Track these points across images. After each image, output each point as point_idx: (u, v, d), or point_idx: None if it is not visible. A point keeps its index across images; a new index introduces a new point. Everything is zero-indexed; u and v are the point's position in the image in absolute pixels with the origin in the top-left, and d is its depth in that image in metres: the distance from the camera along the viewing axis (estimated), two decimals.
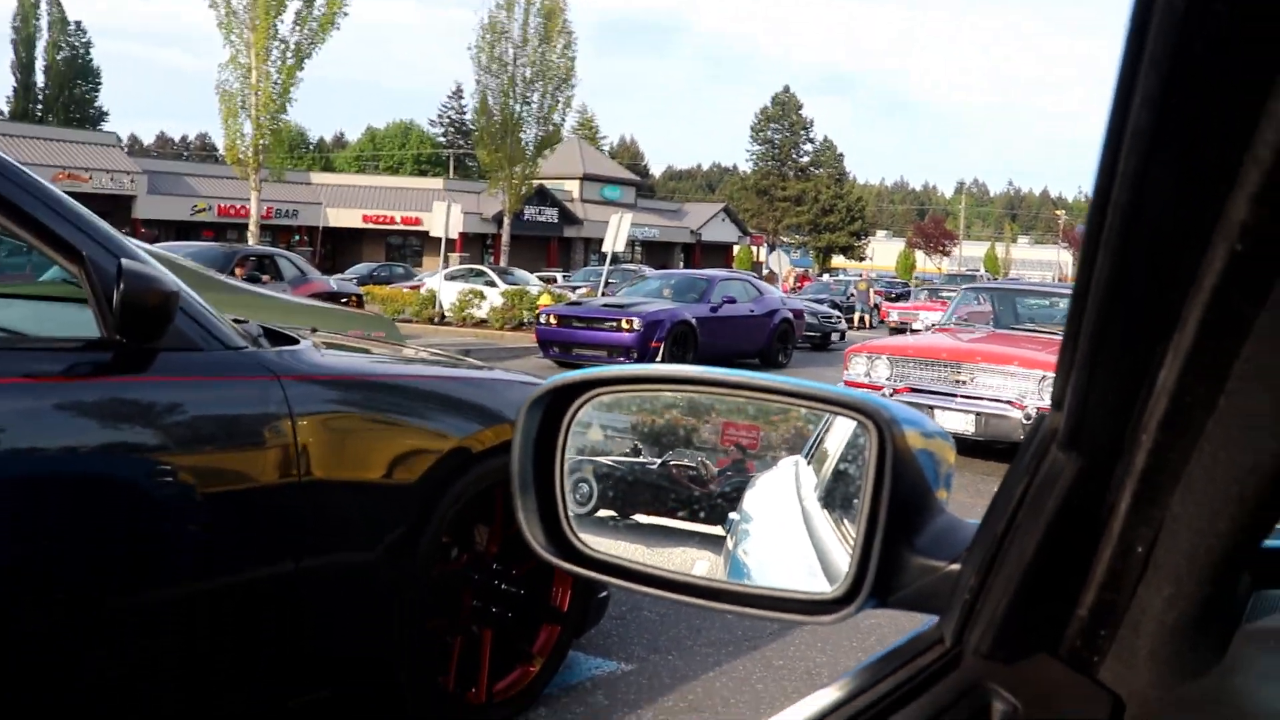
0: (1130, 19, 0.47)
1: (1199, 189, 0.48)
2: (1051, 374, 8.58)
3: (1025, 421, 8.78)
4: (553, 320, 15.57)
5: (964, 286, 13.00)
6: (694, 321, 15.45)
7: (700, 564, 0.93)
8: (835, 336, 23.25)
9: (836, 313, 24.42)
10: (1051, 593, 0.65)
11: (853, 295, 31.12)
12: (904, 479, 0.76)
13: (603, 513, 0.97)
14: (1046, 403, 8.40)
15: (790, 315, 17.98)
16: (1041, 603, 0.65)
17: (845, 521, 0.85)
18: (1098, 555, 0.63)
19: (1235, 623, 0.67)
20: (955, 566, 0.73)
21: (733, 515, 0.93)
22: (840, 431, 0.88)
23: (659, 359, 14.53)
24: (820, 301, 27.21)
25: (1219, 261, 0.49)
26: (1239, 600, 0.69)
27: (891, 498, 0.75)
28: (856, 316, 30.50)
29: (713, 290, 16.48)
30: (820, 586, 0.83)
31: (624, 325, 14.85)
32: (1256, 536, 0.59)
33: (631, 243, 53.09)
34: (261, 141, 26.79)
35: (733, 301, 16.55)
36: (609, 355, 14.63)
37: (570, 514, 0.94)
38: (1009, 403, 8.87)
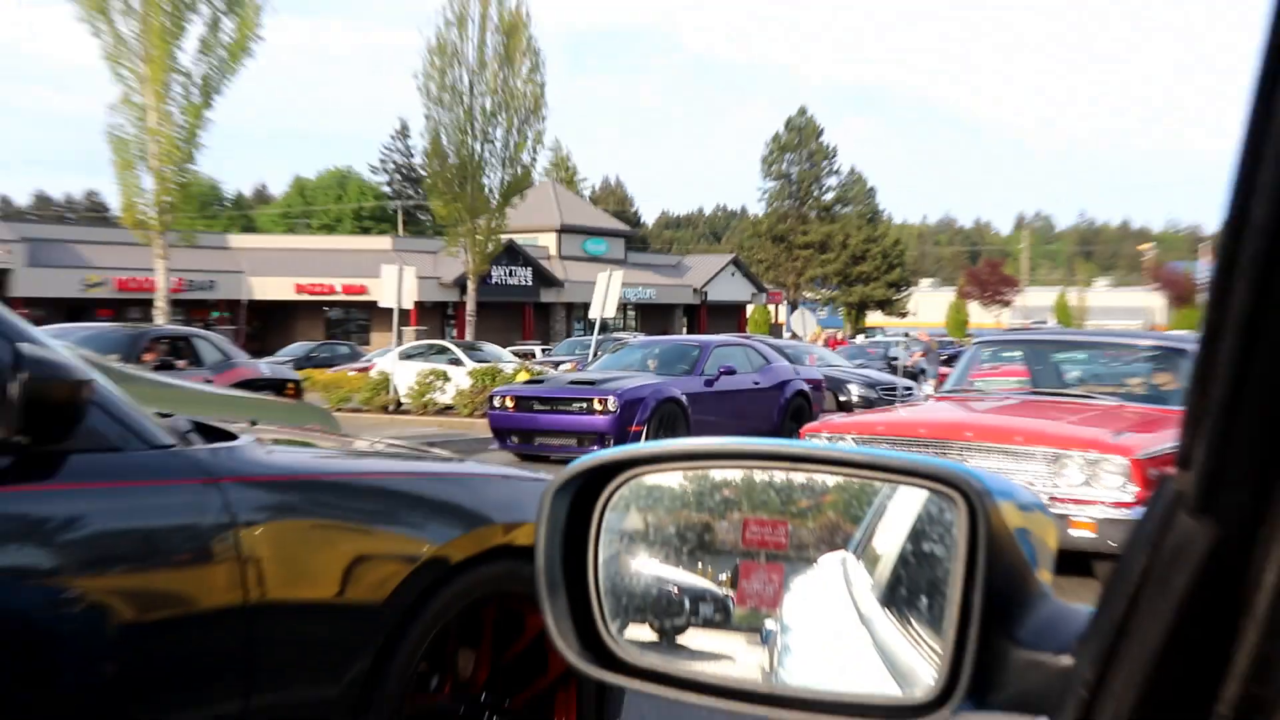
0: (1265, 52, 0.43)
1: None
2: (1069, 452, 6.70)
3: None
4: (508, 403, 12.79)
5: (975, 341, 9.99)
6: (684, 398, 12.79)
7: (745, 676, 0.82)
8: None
9: (907, 381, 18.70)
10: (1185, 687, 0.56)
11: (915, 359, 23.27)
12: (1000, 560, 0.67)
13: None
14: (1060, 490, 6.51)
15: (806, 386, 14.86)
16: (1173, 699, 0.56)
17: (914, 620, 0.75)
18: (1240, 641, 0.54)
19: None
20: (1066, 660, 0.64)
21: (769, 625, 0.82)
22: (904, 511, 0.78)
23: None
24: (864, 367, 21.62)
25: None
26: None
27: (987, 582, 0.66)
28: (929, 384, 21.86)
29: (706, 358, 13.73)
30: (903, 691, 0.73)
31: (597, 406, 12.18)
32: None
33: (623, 306, 45.06)
34: (166, 198, 21.57)
35: (732, 372, 13.76)
36: (579, 444, 12.13)
37: (608, 616, 0.85)
38: None
